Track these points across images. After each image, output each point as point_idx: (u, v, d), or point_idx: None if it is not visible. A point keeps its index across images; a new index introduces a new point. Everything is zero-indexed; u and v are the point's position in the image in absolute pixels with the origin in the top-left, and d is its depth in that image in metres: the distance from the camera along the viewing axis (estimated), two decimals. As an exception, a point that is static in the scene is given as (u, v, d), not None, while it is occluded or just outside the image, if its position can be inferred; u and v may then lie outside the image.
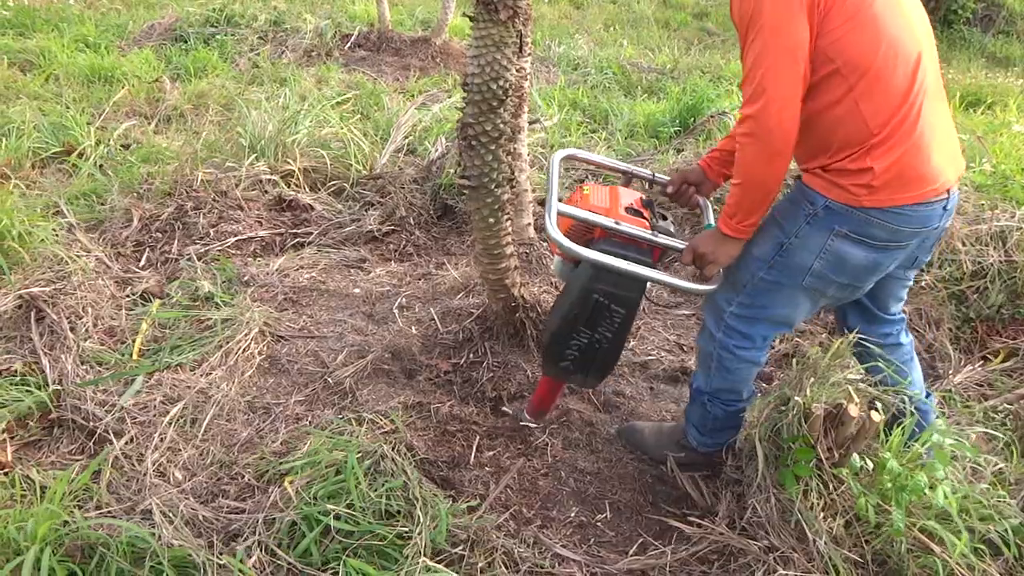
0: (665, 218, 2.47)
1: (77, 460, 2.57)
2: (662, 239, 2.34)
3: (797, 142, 2.12)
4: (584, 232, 2.44)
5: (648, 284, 2.42)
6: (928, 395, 2.72)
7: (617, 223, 2.33)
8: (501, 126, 2.58)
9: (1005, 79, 8.09)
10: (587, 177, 4.78)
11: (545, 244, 3.87)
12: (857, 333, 2.45)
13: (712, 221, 2.55)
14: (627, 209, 2.41)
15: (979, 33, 9.64)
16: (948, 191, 2.20)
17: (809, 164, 2.26)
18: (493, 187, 2.69)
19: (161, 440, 2.66)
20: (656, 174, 2.73)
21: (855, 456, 2.24)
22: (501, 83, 2.49)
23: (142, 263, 3.74)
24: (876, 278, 2.32)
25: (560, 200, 2.42)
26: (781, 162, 2.10)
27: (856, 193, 2.13)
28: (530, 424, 2.85)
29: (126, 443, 2.63)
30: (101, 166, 4.57)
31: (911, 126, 2.11)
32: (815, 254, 2.23)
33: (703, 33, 9.21)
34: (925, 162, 2.13)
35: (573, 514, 2.55)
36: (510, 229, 2.87)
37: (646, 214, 2.42)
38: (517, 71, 2.62)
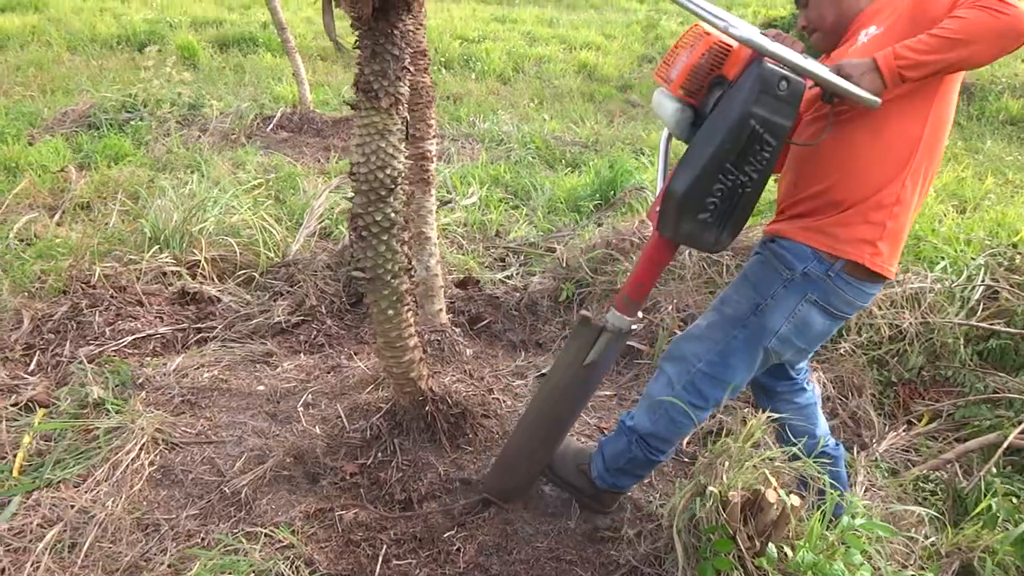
0: None
1: (-60, 598, 2.34)
2: (811, 64, 2.06)
3: (813, 179, 2.23)
4: (711, 69, 2.18)
5: None
6: (837, 444, 2.71)
7: (773, 41, 2.02)
8: (392, 215, 2.47)
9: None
10: None
11: (458, 330, 3.74)
12: (765, 382, 2.56)
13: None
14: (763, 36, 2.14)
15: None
16: None
17: (815, 209, 2.24)
18: (389, 278, 2.58)
19: (35, 569, 2.43)
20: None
21: (771, 547, 2.13)
22: (388, 172, 2.39)
23: (31, 368, 3.51)
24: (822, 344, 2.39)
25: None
26: (1009, 45, 1.94)
27: (860, 250, 2.17)
28: (627, 324, 2.44)
29: (-4, 575, 2.41)
30: (-4, 263, 4.34)
31: (919, 201, 2.20)
32: (785, 317, 2.28)
33: (627, 105, 9.32)
34: (904, 241, 2.26)
35: (487, 625, 2.38)
36: (412, 320, 2.74)
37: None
38: (407, 158, 2.53)
